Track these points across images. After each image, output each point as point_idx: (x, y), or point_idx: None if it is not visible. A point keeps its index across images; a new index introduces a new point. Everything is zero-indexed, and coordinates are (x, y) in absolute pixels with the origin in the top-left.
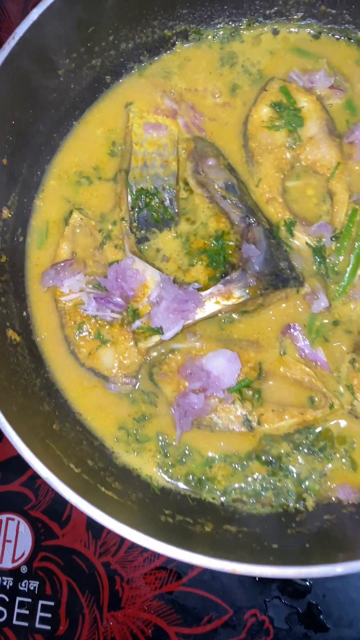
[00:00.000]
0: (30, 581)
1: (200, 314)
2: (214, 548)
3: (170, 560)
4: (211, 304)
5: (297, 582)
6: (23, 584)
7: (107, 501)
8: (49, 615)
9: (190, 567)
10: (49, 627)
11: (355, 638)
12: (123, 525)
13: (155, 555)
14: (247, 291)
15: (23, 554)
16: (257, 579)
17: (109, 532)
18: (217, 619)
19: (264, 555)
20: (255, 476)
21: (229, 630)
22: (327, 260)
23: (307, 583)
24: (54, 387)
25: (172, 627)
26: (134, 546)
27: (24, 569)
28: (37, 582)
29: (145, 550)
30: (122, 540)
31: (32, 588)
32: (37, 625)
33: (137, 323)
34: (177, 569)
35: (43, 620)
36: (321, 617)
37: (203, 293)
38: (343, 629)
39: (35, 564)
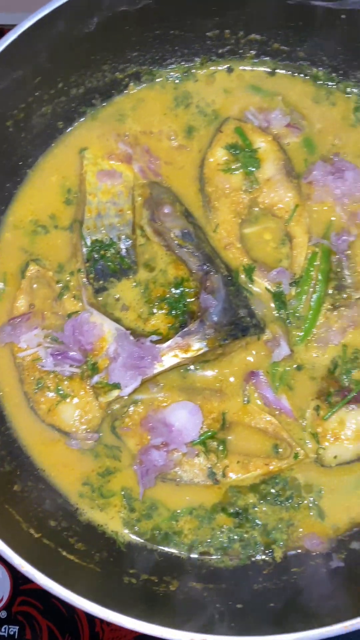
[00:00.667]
0: (10, 626)
1: (158, 368)
2: (176, 612)
3: None
4: (169, 357)
5: None
6: (3, 630)
7: (67, 566)
8: None
9: None
10: None
11: None
12: (79, 596)
13: None
14: (205, 343)
15: (2, 599)
16: None
17: None
18: None
19: (226, 619)
20: (222, 528)
21: None
22: (288, 305)
23: None
24: (16, 445)
25: None
26: None
27: (3, 614)
28: (17, 627)
29: None
30: None
31: (12, 633)
32: None
33: (96, 378)
34: None
35: None
36: None
37: (161, 346)
38: None
39: (14, 609)
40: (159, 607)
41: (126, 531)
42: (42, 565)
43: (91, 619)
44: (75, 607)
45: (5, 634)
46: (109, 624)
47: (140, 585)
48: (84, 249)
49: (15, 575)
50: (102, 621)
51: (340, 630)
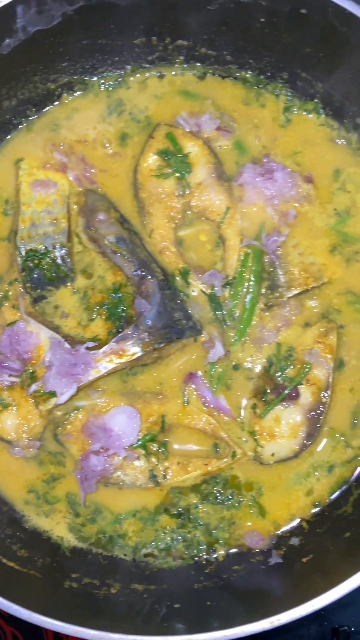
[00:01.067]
0: None
1: (94, 374)
2: (112, 615)
3: None
4: (105, 363)
5: None
6: None
7: (5, 573)
8: None
9: None
10: None
11: None
12: (11, 603)
13: None
14: (140, 347)
15: None
16: None
17: None
18: None
19: (160, 620)
20: (165, 530)
21: None
22: (224, 306)
23: None
24: None
25: None
26: None
27: None
28: None
29: None
30: None
31: None
32: None
33: (34, 387)
34: None
35: None
36: None
37: (96, 353)
38: None
39: None
40: (97, 610)
41: (71, 536)
42: None
43: None
44: None
45: None
46: None
47: (80, 589)
48: (19, 259)
49: None
50: None
51: (266, 626)
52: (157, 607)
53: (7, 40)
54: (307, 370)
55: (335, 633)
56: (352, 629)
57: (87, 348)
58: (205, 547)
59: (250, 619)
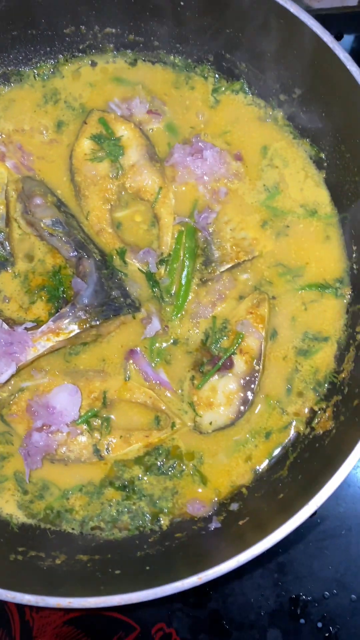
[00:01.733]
0: None
1: (33, 353)
2: (50, 582)
3: None
4: (43, 342)
5: (196, 592)
6: None
7: None
8: None
9: None
10: None
11: None
12: None
13: None
14: (77, 325)
15: None
16: None
17: None
18: (126, 637)
19: (98, 584)
20: (110, 502)
21: None
22: (161, 283)
23: (207, 589)
24: None
25: None
26: None
27: None
28: None
29: None
30: None
31: None
32: None
33: None
34: None
35: None
36: (223, 622)
37: (34, 332)
38: (245, 631)
39: None
40: (38, 578)
41: (20, 513)
42: None
43: (21, 608)
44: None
45: None
46: (37, 611)
47: (26, 561)
48: None
49: None
50: (31, 609)
51: (194, 581)
52: (98, 574)
53: None
54: (240, 340)
55: (293, 602)
56: (309, 598)
57: (26, 328)
58: (149, 517)
59: (181, 576)
